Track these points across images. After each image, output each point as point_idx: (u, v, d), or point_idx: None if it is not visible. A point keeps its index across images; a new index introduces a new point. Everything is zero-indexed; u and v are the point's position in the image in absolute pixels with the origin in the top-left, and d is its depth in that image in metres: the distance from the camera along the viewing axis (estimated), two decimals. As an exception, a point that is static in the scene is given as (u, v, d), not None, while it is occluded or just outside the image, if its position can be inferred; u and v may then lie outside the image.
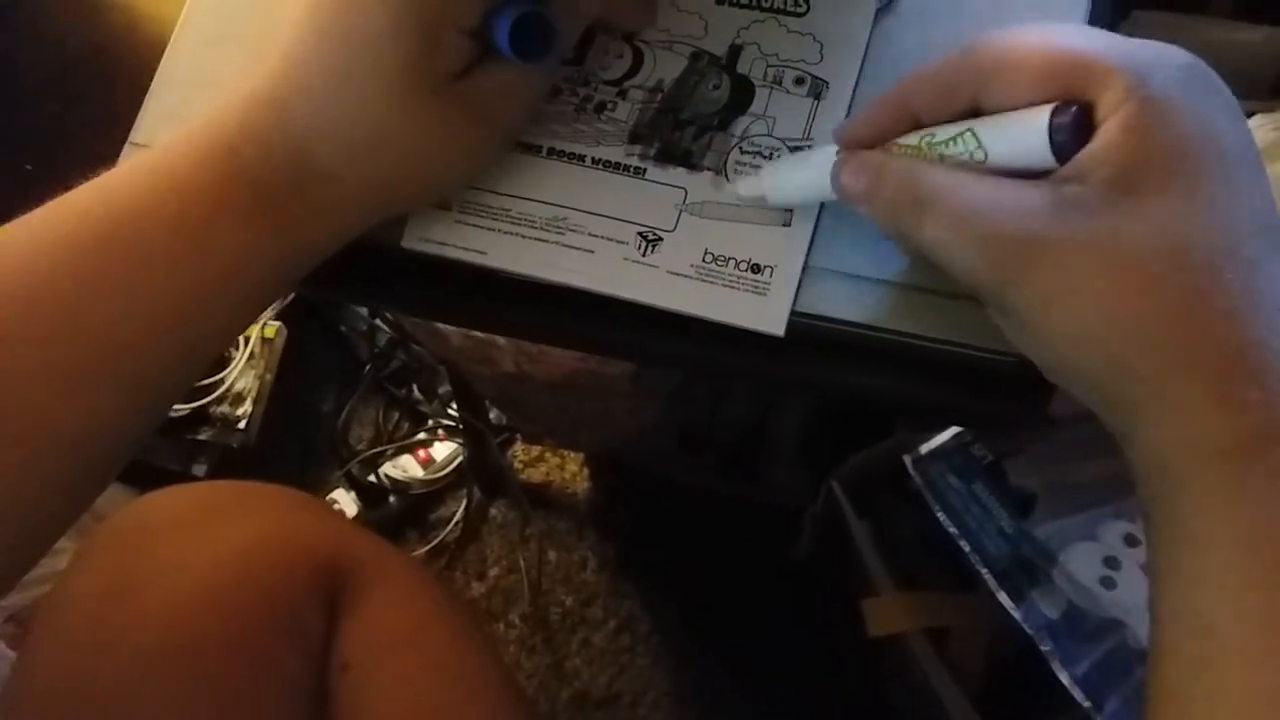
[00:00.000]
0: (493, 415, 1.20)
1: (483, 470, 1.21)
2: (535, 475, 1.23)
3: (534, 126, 0.44)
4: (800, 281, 0.41)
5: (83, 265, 0.38)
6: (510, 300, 0.45)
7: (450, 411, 1.22)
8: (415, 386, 1.25)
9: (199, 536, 0.60)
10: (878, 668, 0.95)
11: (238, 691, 0.55)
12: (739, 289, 0.41)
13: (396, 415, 1.27)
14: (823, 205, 0.42)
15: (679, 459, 1.05)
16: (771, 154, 0.42)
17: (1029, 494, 0.67)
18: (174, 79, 0.48)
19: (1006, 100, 0.33)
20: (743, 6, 0.44)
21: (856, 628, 0.87)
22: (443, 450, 1.22)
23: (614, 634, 1.14)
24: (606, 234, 0.43)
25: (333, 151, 0.39)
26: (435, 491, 1.22)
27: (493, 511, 1.23)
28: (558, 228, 0.43)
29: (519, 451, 1.24)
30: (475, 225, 0.44)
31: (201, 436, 1.13)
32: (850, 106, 0.42)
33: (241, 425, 1.13)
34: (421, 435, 1.23)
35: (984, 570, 0.66)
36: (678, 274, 0.42)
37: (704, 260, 0.42)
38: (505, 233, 0.44)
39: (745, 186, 0.42)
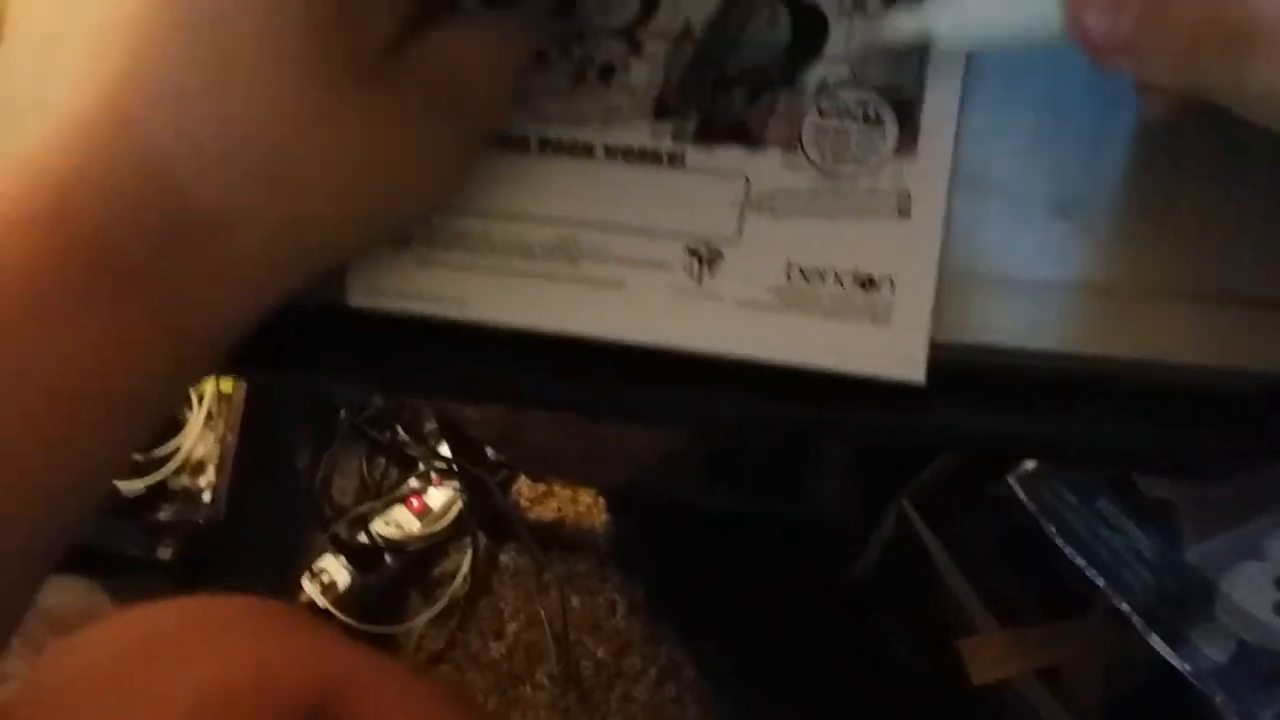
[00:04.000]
0: (489, 450, 1.06)
1: (486, 514, 1.08)
2: (545, 513, 1.10)
3: (516, 110, 0.30)
4: (935, 297, 0.28)
5: None
6: (508, 362, 0.32)
7: (442, 452, 1.08)
8: (399, 428, 1.11)
9: (138, 689, 0.47)
10: (964, 712, 0.82)
11: None
12: (846, 318, 0.28)
13: (382, 462, 1.13)
14: (954, 174, 0.28)
15: (707, 485, 0.92)
16: (865, 111, 0.29)
17: (1168, 508, 0.54)
18: (4, 99, 0.35)
19: None
20: (794, -94, 0.31)
21: (938, 667, 0.75)
22: (439, 497, 1.09)
23: (656, 684, 1.02)
24: (640, 256, 0.29)
25: (216, 185, 0.26)
26: (436, 544, 1.09)
27: (503, 559, 1.10)
28: (568, 255, 0.30)
29: (524, 488, 1.11)
30: (446, 265, 0.30)
31: (162, 516, 0.99)
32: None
33: (206, 497, 0.99)
34: (413, 482, 1.10)
35: (1125, 607, 0.53)
36: (752, 303, 0.29)
37: (788, 279, 0.28)
38: (491, 270, 0.30)
39: (904, 21, 0.28)
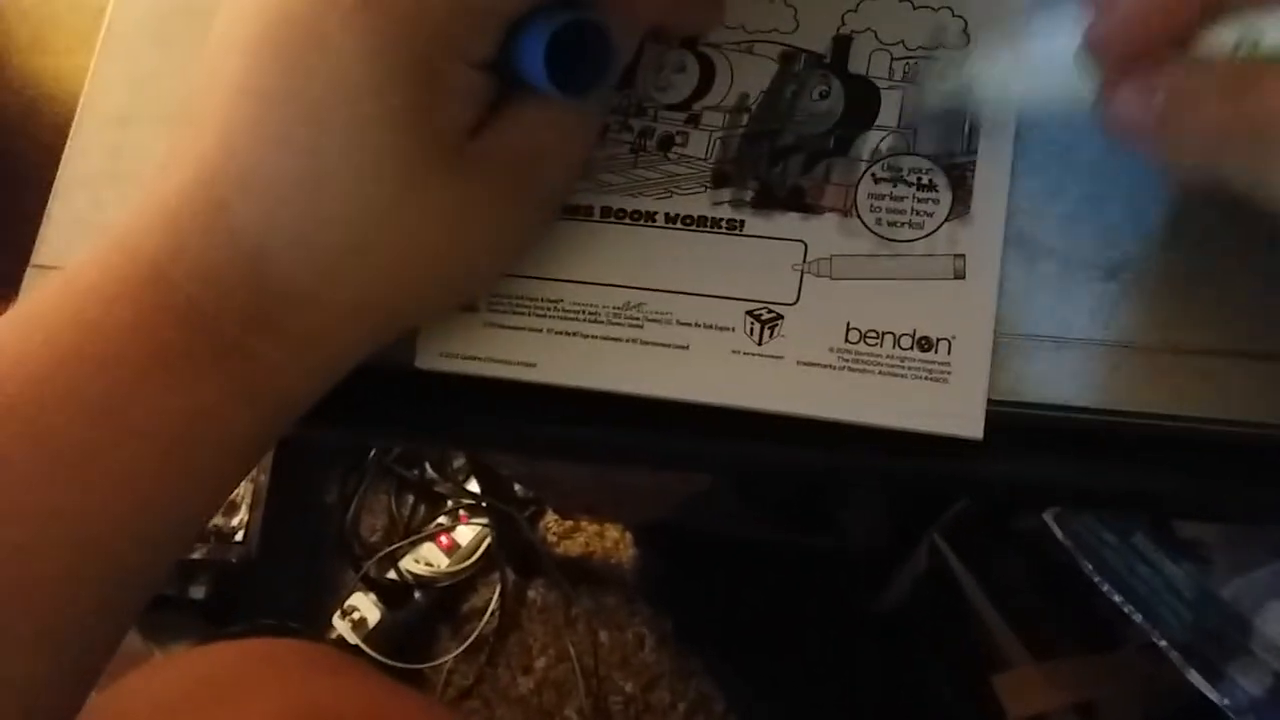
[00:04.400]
0: (517, 486, 1.07)
1: (514, 549, 1.08)
2: (573, 548, 1.10)
3: (580, 179, 0.32)
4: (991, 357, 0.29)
5: None
6: (574, 419, 0.33)
7: (470, 489, 1.09)
8: (427, 465, 1.12)
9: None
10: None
11: None
12: (905, 377, 0.29)
13: (411, 499, 1.14)
14: (1006, 237, 0.29)
15: (738, 518, 0.92)
16: (919, 178, 0.30)
17: (1202, 545, 0.55)
18: (81, 175, 0.36)
19: None
20: (843, -19, 0.32)
21: (971, 700, 0.75)
22: (467, 533, 1.09)
23: (685, 718, 1.02)
24: (703, 319, 0.30)
25: (303, 265, 0.27)
26: (464, 580, 1.10)
27: (531, 594, 1.10)
28: (632, 318, 0.31)
29: (551, 523, 1.11)
30: (514, 327, 0.31)
31: (196, 555, 1.00)
32: (1020, 99, 0.30)
33: (239, 537, 1.00)
34: (441, 519, 1.11)
35: (1163, 643, 0.54)
36: (812, 364, 0.30)
37: (848, 340, 0.29)
38: (558, 333, 0.31)
39: (946, 80, 0.29)
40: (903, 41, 0.31)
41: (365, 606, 1.05)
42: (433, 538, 1.09)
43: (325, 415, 0.32)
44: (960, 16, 0.31)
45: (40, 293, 0.28)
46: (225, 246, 0.27)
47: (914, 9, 0.31)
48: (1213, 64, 0.23)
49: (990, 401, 0.28)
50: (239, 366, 0.28)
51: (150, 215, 0.28)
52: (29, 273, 0.36)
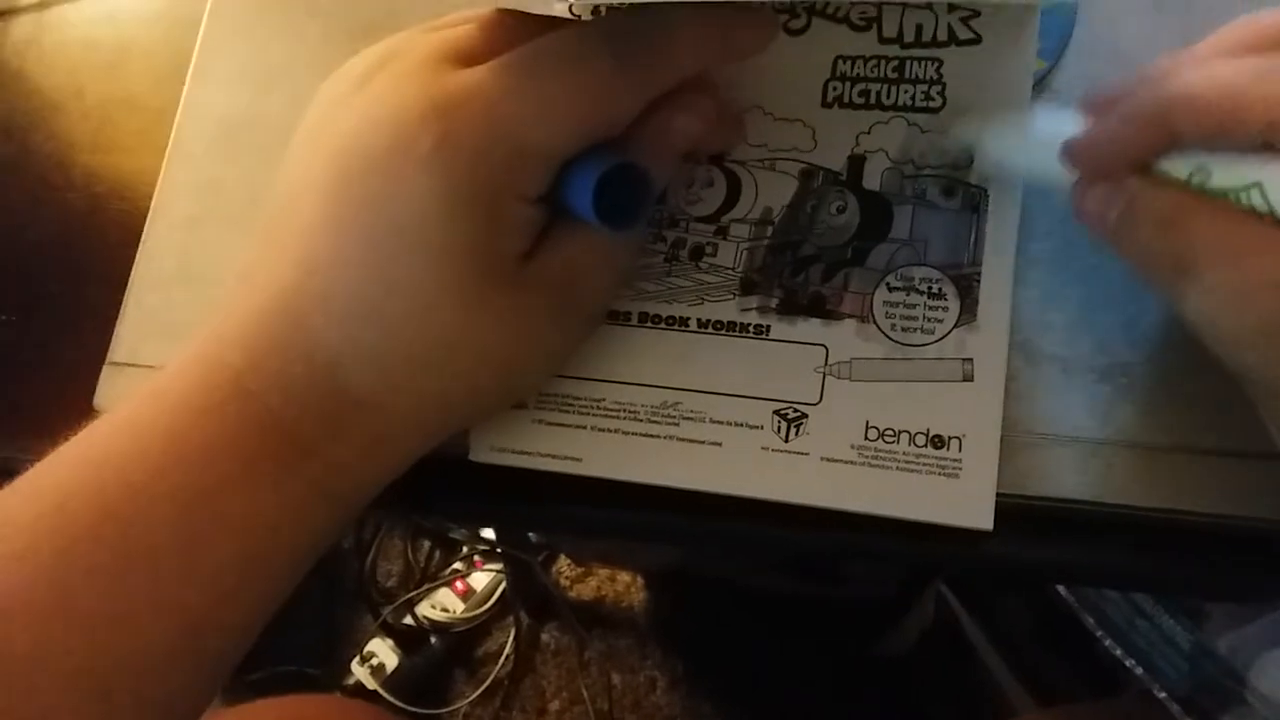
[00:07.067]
0: (531, 532, 1.10)
1: (528, 594, 1.10)
2: (585, 592, 1.13)
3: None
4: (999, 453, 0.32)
5: (67, 569, 0.29)
6: (618, 503, 0.35)
7: (484, 534, 1.12)
8: (442, 511, 1.14)
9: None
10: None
11: None
12: (920, 472, 0.32)
13: (426, 545, 1.16)
14: (1010, 346, 0.32)
15: (748, 566, 0.94)
16: (929, 287, 0.33)
17: (1198, 600, 0.58)
18: (154, 276, 0.39)
19: None
20: (856, 106, 0.35)
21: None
22: (482, 578, 1.12)
23: (697, 761, 1.03)
24: (734, 418, 0.33)
25: (376, 377, 0.30)
26: (479, 624, 1.12)
27: (545, 637, 1.12)
28: (669, 417, 0.34)
29: (564, 567, 1.14)
30: (561, 424, 0.34)
31: (218, 603, 1.02)
32: (1021, 215, 0.33)
33: (260, 585, 1.02)
34: (457, 565, 1.13)
35: (1162, 695, 0.56)
36: (834, 460, 0.32)
37: (867, 438, 0.32)
38: (601, 430, 0.34)
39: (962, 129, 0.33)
40: (911, 161, 0.34)
41: (383, 652, 1.07)
42: (448, 583, 1.11)
43: (385, 501, 0.35)
44: (965, 140, 0.34)
45: (130, 405, 0.31)
46: (302, 361, 0.30)
47: (921, 132, 0.34)
48: (1162, 192, 0.26)
49: (998, 494, 0.31)
50: (315, 469, 0.30)
51: (232, 330, 0.31)
52: (105, 370, 0.39)
